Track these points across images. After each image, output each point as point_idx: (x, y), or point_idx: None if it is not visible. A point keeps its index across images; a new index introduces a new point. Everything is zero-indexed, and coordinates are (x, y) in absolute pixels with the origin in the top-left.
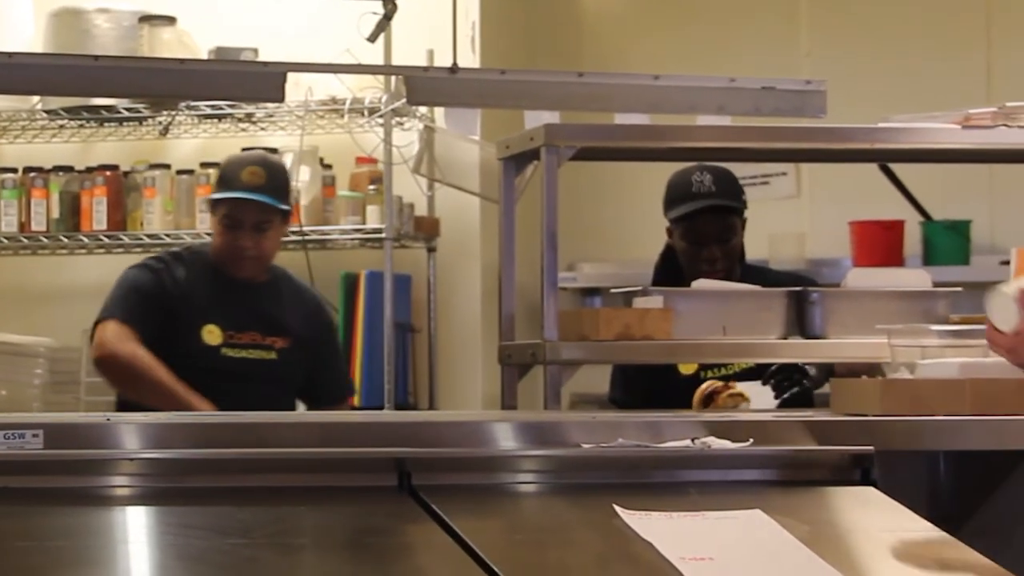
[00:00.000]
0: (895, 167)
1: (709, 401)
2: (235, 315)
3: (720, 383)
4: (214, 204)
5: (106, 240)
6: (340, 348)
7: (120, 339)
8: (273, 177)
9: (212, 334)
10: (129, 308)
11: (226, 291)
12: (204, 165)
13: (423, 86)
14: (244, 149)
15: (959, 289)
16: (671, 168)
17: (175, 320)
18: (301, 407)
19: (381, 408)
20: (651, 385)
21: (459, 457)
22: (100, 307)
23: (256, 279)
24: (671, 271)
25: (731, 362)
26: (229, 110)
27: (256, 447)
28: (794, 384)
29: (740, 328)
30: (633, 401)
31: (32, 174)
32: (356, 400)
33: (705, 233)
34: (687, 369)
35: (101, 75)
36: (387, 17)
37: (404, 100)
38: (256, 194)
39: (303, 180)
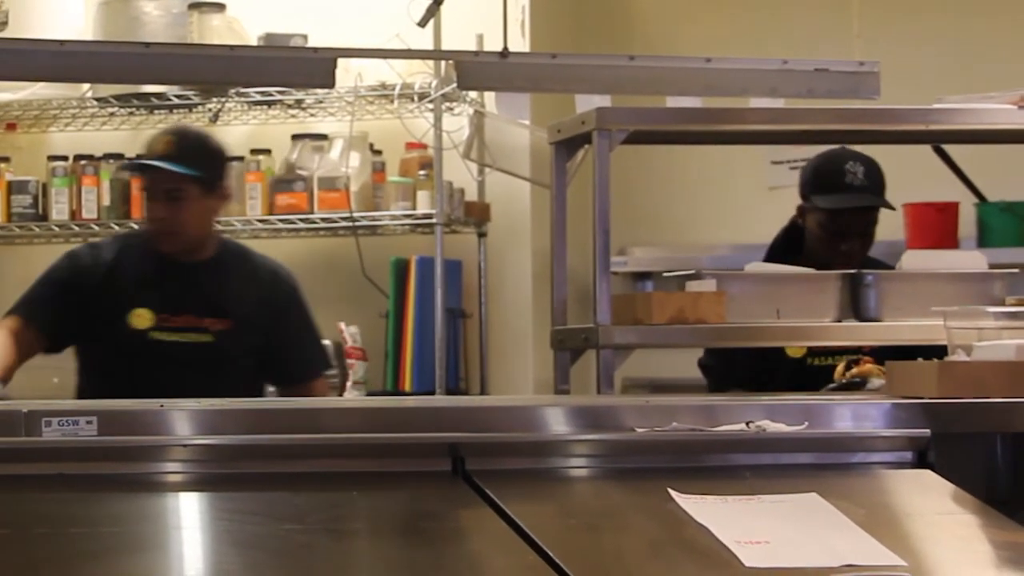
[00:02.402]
0: (949, 148)
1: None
2: (169, 297)
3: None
4: (132, 177)
5: None
6: (308, 322)
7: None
8: (186, 146)
9: (141, 318)
10: (31, 303)
11: (160, 272)
12: (254, 152)
13: (473, 71)
14: (294, 136)
15: (1015, 271)
16: (722, 151)
17: (98, 305)
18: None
19: (432, 393)
20: (753, 362)
21: (513, 442)
22: None
23: (195, 257)
24: (791, 249)
25: (841, 351)
26: (279, 96)
27: (309, 433)
28: None
29: (794, 311)
30: (727, 372)
31: (83, 162)
32: (407, 385)
33: (851, 227)
34: (795, 352)
35: (152, 62)
36: (437, 2)
37: (454, 85)
38: (162, 161)
39: (353, 166)
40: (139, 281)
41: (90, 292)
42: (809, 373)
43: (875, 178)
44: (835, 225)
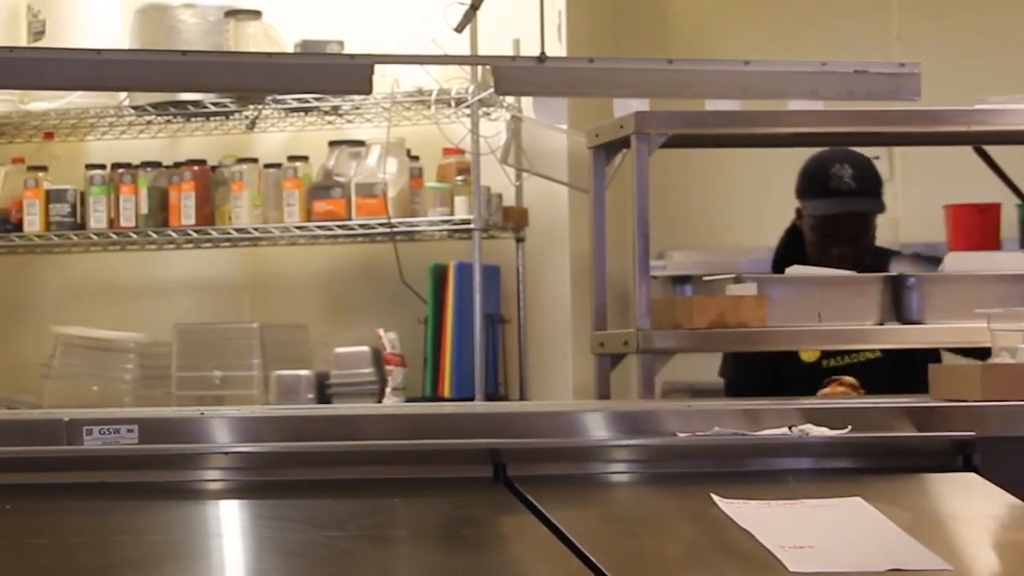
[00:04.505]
0: (990, 149)
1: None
2: None
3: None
4: None
5: (194, 235)
6: None
7: None
8: None
9: None
10: None
11: None
12: (291, 158)
13: (511, 76)
14: (331, 142)
15: None
16: (760, 154)
17: None
18: None
19: (472, 399)
20: (767, 369)
21: (555, 447)
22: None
23: None
24: (795, 252)
25: (855, 350)
26: (315, 103)
27: (350, 439)
28: None
29: (836, 314)
30: (743, 381)
31: (120, 170)
32: (447, 391)
33: (840, 232)
34: (809, 356)
35: (189, 70)
36: (474, 7)
37: (491, 90)
38: None
39: (390, 172)
40: None
41: None
42: (826, 375)
43: (864, 181)
44: (825, 229)
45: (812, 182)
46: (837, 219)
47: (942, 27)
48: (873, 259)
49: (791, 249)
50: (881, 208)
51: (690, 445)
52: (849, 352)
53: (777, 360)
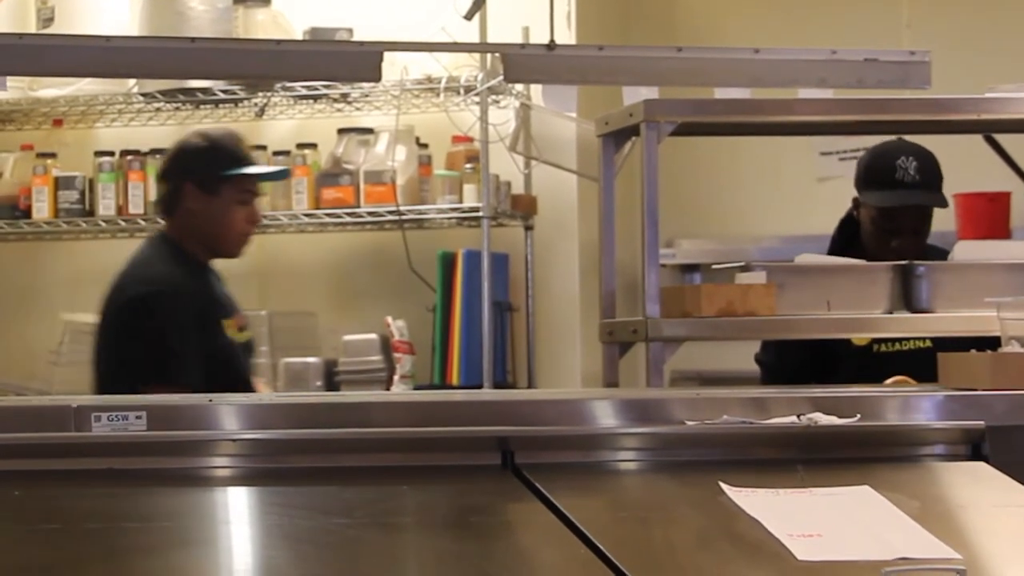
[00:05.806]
0: (1000, 137)
1: None
2: (227, 300)
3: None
4: (227, 181)
5: None
6: None
7: None
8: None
9: (230, 327)
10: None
11: (207, 278)
12: (300, 146)
13: (520, 63)
14: (340, 130)
15: None
16: (770, 142)
17: (206, 328)
18: None
19: (480, 387)
20: (814, 354)
21: (563, 435)
22: None
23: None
24: (849, 242)
25: (905, 337)
26: (324, 91)
27: (358, 427)
28: None
29: (845, 303)
30: (783, 366)
31: (129, 157)
32: (455, 379)
33: (902, 225)
34: (860, 341)
35: (197, 57)
36: None
37: (500, 78)
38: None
39: (399, 160)
40: (209, 290)
41: (196, 321)
42: (875, 361)
43: (928, 174)
44: (886, 222)
45: (876, 173)
46: (899, 212)
47: (952, 15)
48: (924, 256)
49: (846, 239)
50: (944, 203)
51: (699, 433)
52: (900, 339)
53: (829, 341)
